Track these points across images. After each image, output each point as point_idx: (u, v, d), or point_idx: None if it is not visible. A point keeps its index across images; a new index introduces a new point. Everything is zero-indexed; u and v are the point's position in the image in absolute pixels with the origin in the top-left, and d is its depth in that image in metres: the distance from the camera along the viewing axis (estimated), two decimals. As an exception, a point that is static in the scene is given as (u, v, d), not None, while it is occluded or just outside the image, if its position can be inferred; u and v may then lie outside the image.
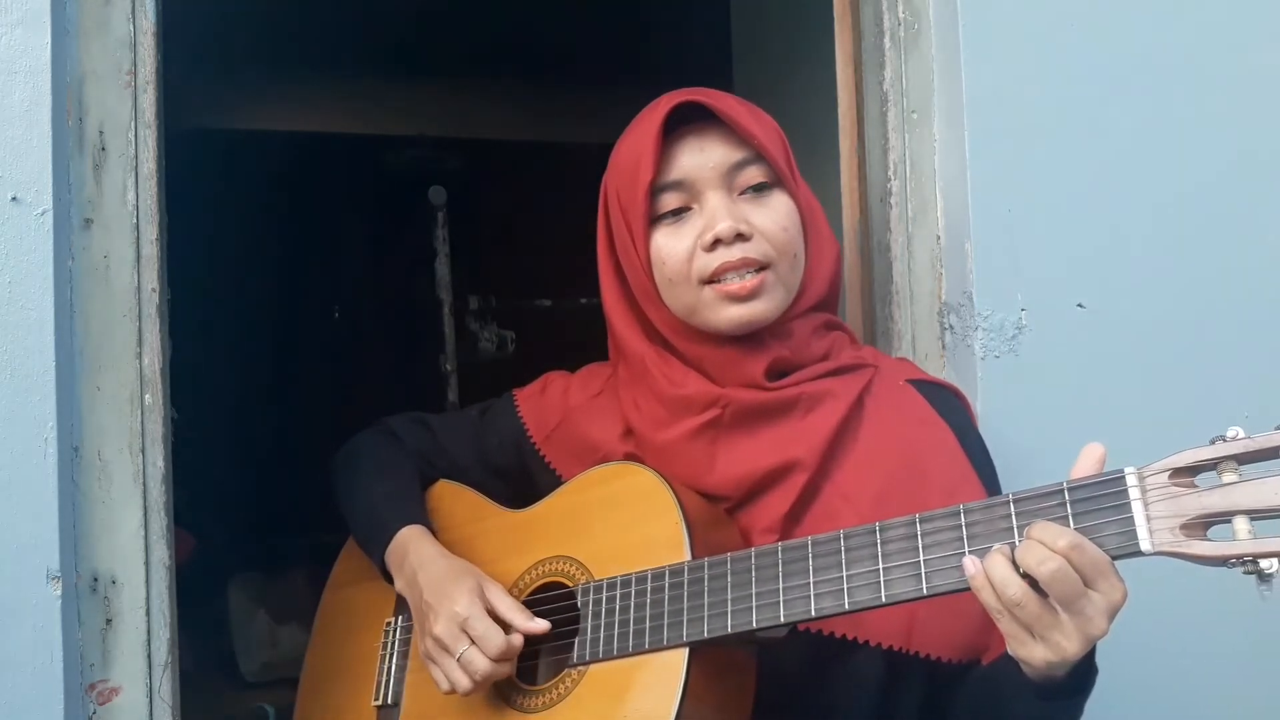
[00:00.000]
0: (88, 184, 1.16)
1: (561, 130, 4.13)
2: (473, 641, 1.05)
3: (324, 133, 4.08)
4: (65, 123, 1.15)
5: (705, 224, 1.09)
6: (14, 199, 1.11)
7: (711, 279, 1.08)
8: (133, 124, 1.19)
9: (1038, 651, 0.85)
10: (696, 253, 1.09)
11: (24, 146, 1.11)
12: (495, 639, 1.05)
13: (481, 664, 1.05)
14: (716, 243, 1.08)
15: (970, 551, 0.88)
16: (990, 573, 0.85)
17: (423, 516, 1.23)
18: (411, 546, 1.17)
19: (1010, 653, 0.87)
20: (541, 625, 1.07)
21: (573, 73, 3.91)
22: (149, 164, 1.19)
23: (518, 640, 1.06)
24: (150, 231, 1.18)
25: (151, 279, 1.18)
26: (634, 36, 3.55)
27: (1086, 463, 0.87)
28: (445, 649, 1.07)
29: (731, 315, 1.09)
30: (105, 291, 1.17)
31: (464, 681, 1.06)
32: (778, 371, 1.11)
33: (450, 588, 1.10)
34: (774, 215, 1.10)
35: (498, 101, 4.18)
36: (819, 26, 1.61)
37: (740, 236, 1.08)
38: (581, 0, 3.23)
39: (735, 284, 1.08)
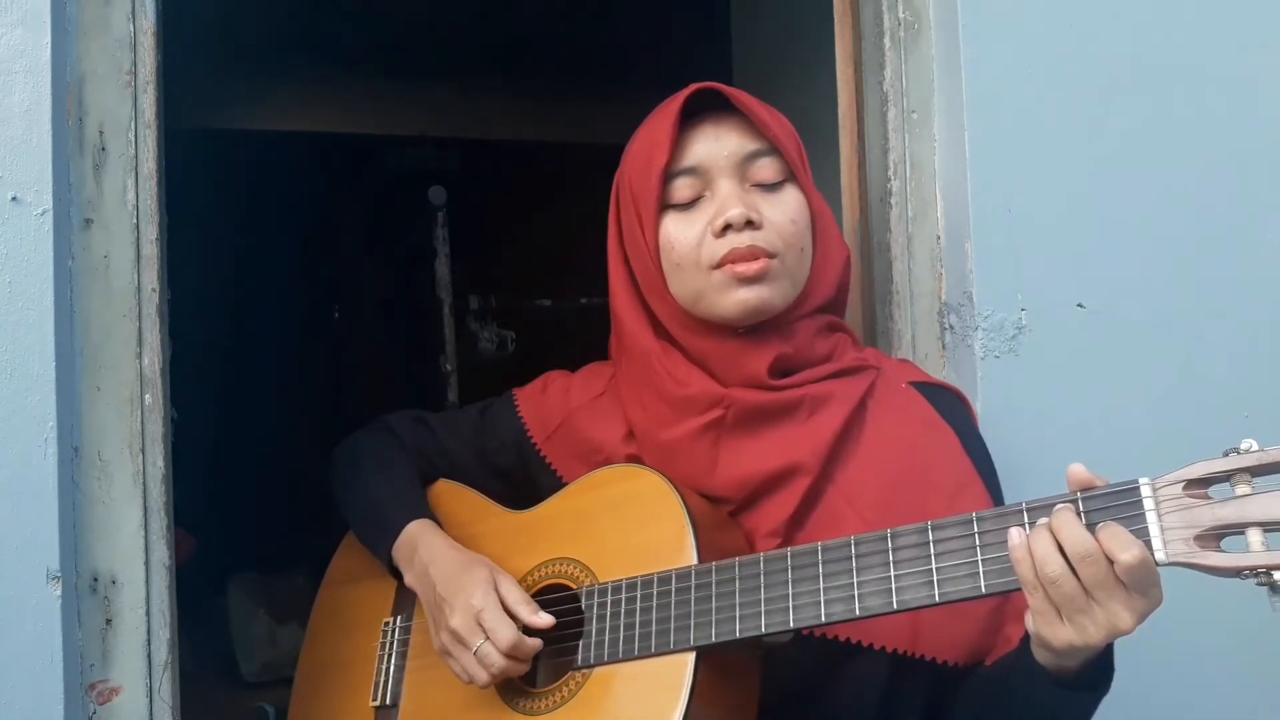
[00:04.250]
0: (88, 184, 1.16)
1: (562, 130, 4.14)
2: (488, 635, 1.06)
3: (324, 133, 4.08)
4: (65, 123, 1.15)
5: (716, 210, 1.10)
6: (14, 199, 1.11)
7: (720, 264, 1.09)
8: (133, 124, 1.18)
9: (1062, 633, 0.84)
10: (706, 238, 1.09)
11: (24, 146, 1.11)
12: (505, 633, 1.05)
13: (498, 658, 1.05)
14: (727, 228, 1.08)
15: (983, 560, 0.89)
16: (1033, 545, 0.84)
17: (428, 510, 1.23)
18: (421, 541, 1.17)
19: (1032, 631, 0.87)
20: (546, 620, 1.07)
21: (573, 73, 3.91)
22: (149, 164, 1.19)
23: (534, 641, 1.06)
24: (150, 231, 1.18)
25: (151, 279, 1.18)
26: (634, 37, 3.55)
27: (1071, 485, 0.88)
28: (462, 642, 1.07)
29: (739, 298, 1.09)
30: (105, 291, 1.16)
31: (481, 675, 1.06)
32: (781, 370, 1.11)
33: (464, 579, 1.09)
34: (784, 208, 1.11)
35: (498, 101, 4.18)
36: (819, 26, 1.61)
37: (750, 224, 1.08)
38: (582, 1, 3.23)
39: (742, 265, 1.08)
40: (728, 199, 1.09)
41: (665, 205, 1.12)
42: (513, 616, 1.07)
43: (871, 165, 1.49)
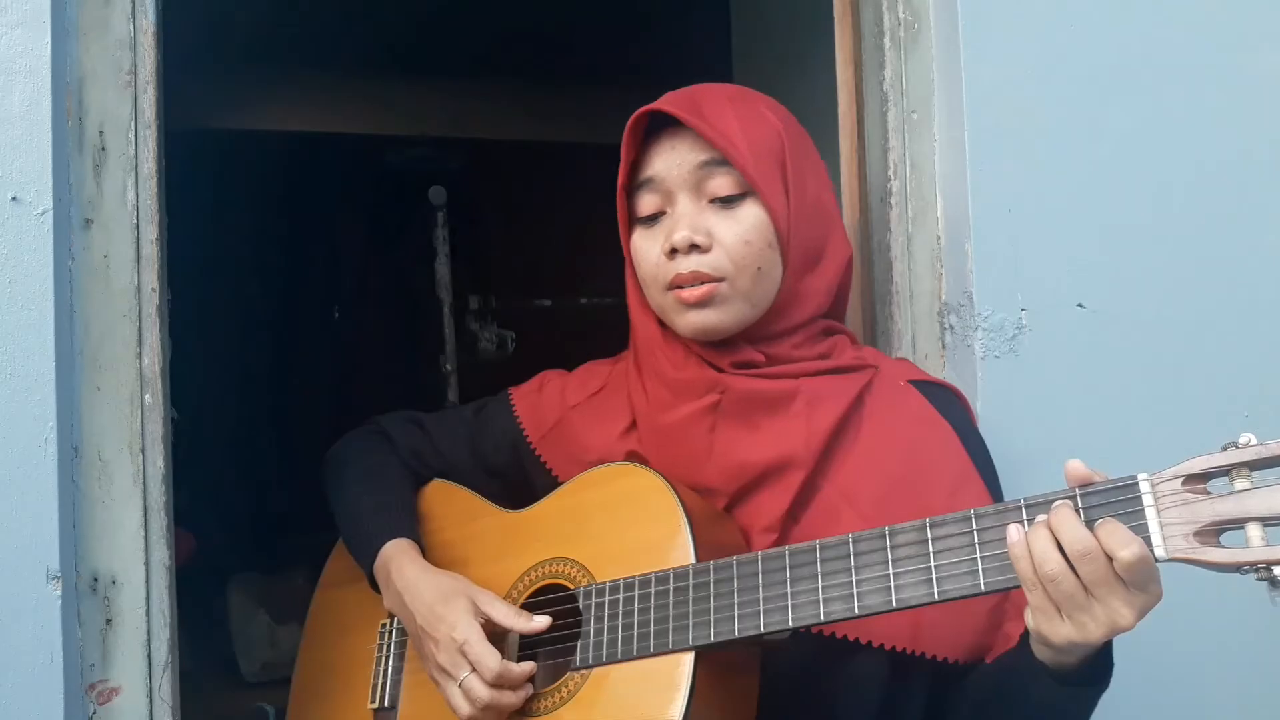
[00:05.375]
0: (88, 184, 1.16)
1: (561, 130, 4.14)
2: (473, 666, 1.05)
3: (324, 133, 4.08)
4: (65, 123, 1.15)
5: (669, 231, 1.10)
6: (14, 199, 1.11)
7: (670, 287, 1.10)
8: (133, 124, 1.18)
9: (1062, 630, 0.84)
10: (662, 258, 1.11)
11: (24, 146, 1.11)
12: (489, 663, 1.04)
13: (481, 691, 1.04)
14: (675, 251, 1.09)
15: (982, 557, 0.88)
16: (1032, 543, 0.84)
17: (409, 528, 1.21)
18: (394, 565, 1.16)
19: (1032, 628, 0.87)
20: (542, 622, 1.07)
21: (572, 73, 3.91)
22: (149, 164, 1.19)
23: (524, 667, 1.06)
24: (150, 231, 1.18)
25: (151, 279, 1.18)
26: (634, 36, 3.55)
27: (1070, 481, 0.88)
28: (449, 675, 1.06)
29: (689, 320, 1.10)
30: (105, 291, 1.16)
31: (465, 709, 1.05)
32: (746, 365, 1.12)
33: (444, 610, 1.08)
34: (738, 228, 1.09)
35: (498, 101, 4.17)
36: (819, 26, 1.61)
37: (696, 247, 1.08)
38: (582, 1, 3.23)
39: (687, 291, 1.09)
40: (679, 220, 1.10)
41: (633, 219, 1.14)
42: (507, 631, 1.07)
43: (871, 165, 1.49)
